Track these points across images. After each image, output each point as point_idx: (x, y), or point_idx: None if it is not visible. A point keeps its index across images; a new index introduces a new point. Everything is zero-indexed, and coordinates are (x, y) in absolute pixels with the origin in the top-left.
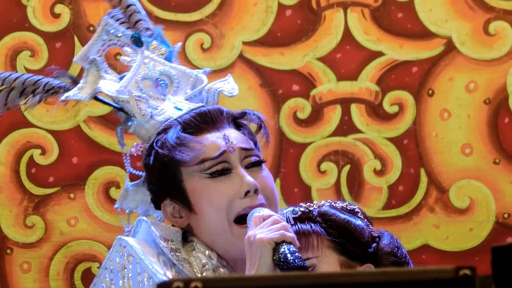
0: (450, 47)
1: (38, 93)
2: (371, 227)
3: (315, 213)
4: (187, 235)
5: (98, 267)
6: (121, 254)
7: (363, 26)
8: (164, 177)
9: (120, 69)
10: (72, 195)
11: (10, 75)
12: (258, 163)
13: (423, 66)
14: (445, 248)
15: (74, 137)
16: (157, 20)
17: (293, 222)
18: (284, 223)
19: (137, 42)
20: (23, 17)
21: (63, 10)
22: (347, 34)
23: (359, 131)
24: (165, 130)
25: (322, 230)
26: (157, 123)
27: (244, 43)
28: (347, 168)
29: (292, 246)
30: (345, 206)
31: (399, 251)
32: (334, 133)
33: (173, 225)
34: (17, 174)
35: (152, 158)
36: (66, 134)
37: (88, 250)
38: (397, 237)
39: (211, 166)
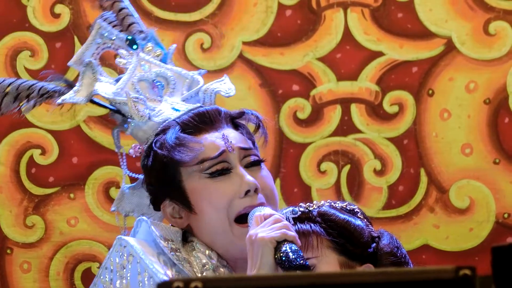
0: (450, 47)
1: (33, 98)
2: (371, 227)
3: (314, 213)
4: (187, 235)
5: (98, 267)
6: (121, 254)
7: (363, 26)
8: (163, 178)
9: (120, 70)
10: (72, 195)
11: (3, 81)
12: (257, 163)
13: (423, 66)
14: (445, 248)
15: (74, 137)
16: (157, 20)
17: (292, 222)
18: (286, 222)
19: (132, 44)
20: (23, 17)
21: (63, 10)
22: (347, 34)
23: (359, 131)
24: (164, 131)
25: (322, 230)
26: (154, 124)
27: (244, 43)
28: (347, 168)
29: (293, 245)
30: (344, 206)
31: (399, 251)
32: (334, 133)
33: (172, 226)
34: (17, 174)
35: (151, 159)
36: (66, 134)
37: (88, 250)
38: (397, 237)
39: (211, 166)
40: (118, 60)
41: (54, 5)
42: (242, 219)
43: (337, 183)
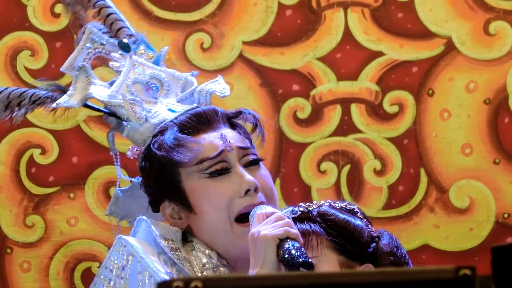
0: (450, 47)
1: (24, 105)
2: (371, 227)
3: (314, 213)
4: (186, 235)
5: (98, 267)
6: (121, 253)
7: (363, 26)
8: (162, 179)
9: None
10: (72, 195)
11: None
12: (256, 162)
13: (423, 66)
14: (445, 248)
15: (74, 136)
16: (157, 19)
17: (292, 222)
18: (288, 219)
19: (124, 47)
20: (23, 17)
21: (63, 10)
22: (347, 34)
23: (359, 131)
24: (161, 132)
25: (322, 230)
26: (151, 125)
27: (244, 43)
28: (347, 168)
29: (296, 242)
30: (344, 206)
31: (399, 251)
32: (334, 133)
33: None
34: (17, 174)
35: (149, 160)
36: (66, 134)
37: (88, 250)
38: (397, 237)
39: (210, 166)
40: (111, 63)
41: (54, 4)
42: (242, 218)
43: (337, 183)
